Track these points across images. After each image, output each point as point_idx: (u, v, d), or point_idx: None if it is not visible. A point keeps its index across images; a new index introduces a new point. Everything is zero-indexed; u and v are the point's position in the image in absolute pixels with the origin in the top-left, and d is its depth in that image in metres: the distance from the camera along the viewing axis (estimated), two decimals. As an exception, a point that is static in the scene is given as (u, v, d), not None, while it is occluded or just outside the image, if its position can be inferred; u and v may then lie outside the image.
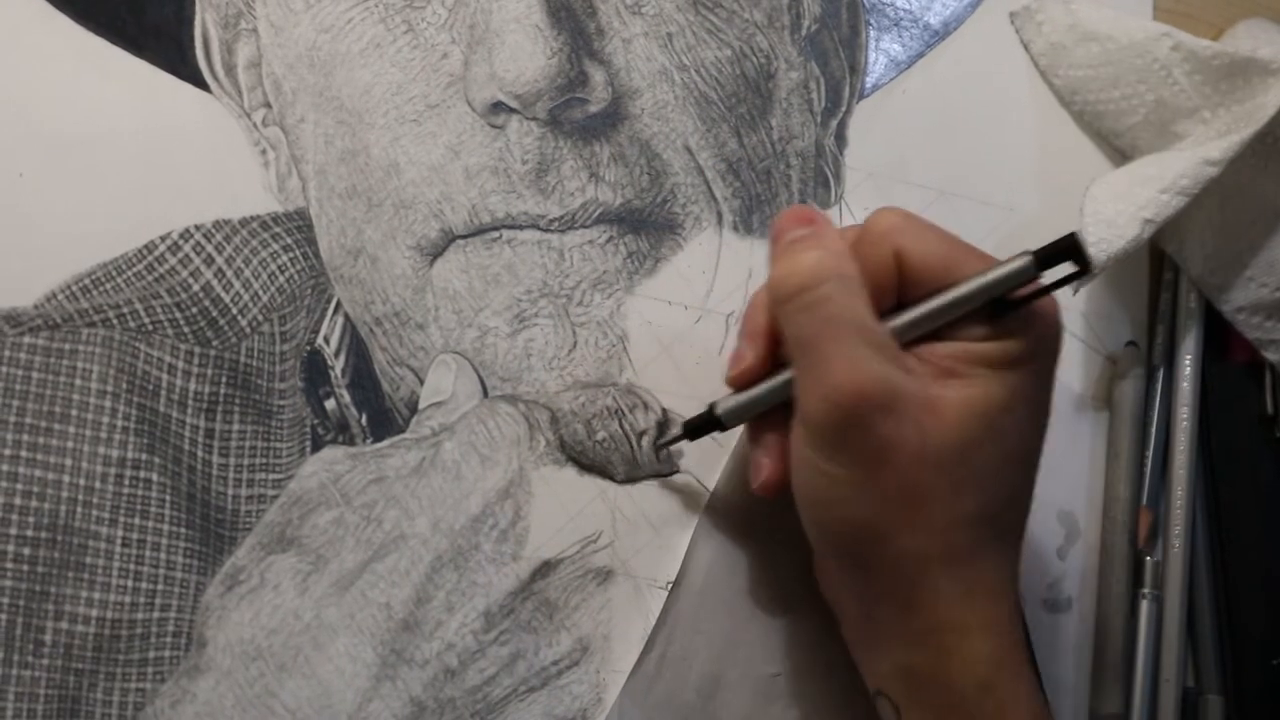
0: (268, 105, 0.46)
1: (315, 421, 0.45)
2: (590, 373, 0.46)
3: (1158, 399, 0.49)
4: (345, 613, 0.43)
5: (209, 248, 0.45)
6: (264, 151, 0.46)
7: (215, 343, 0.45)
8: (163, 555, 0.43)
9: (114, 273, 0.44)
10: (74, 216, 0.44)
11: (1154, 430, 0.49)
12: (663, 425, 0.46)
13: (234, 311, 0.45)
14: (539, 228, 0.46)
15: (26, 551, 0.42)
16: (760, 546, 0.46)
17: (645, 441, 0.45)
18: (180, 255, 0.45)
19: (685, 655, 0.45)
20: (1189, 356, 0.49)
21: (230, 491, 0.44)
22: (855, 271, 0.38)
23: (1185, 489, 0.49)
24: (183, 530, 0.43)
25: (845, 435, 0.37)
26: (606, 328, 0.46)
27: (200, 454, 0.44)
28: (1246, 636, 0.49)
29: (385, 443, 0.45)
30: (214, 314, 0.45)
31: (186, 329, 0.45)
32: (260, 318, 0.46)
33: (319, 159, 0.46)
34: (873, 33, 0.51)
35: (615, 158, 0.46)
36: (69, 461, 0.43)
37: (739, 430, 0.44)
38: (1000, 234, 0.51)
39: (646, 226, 0.47)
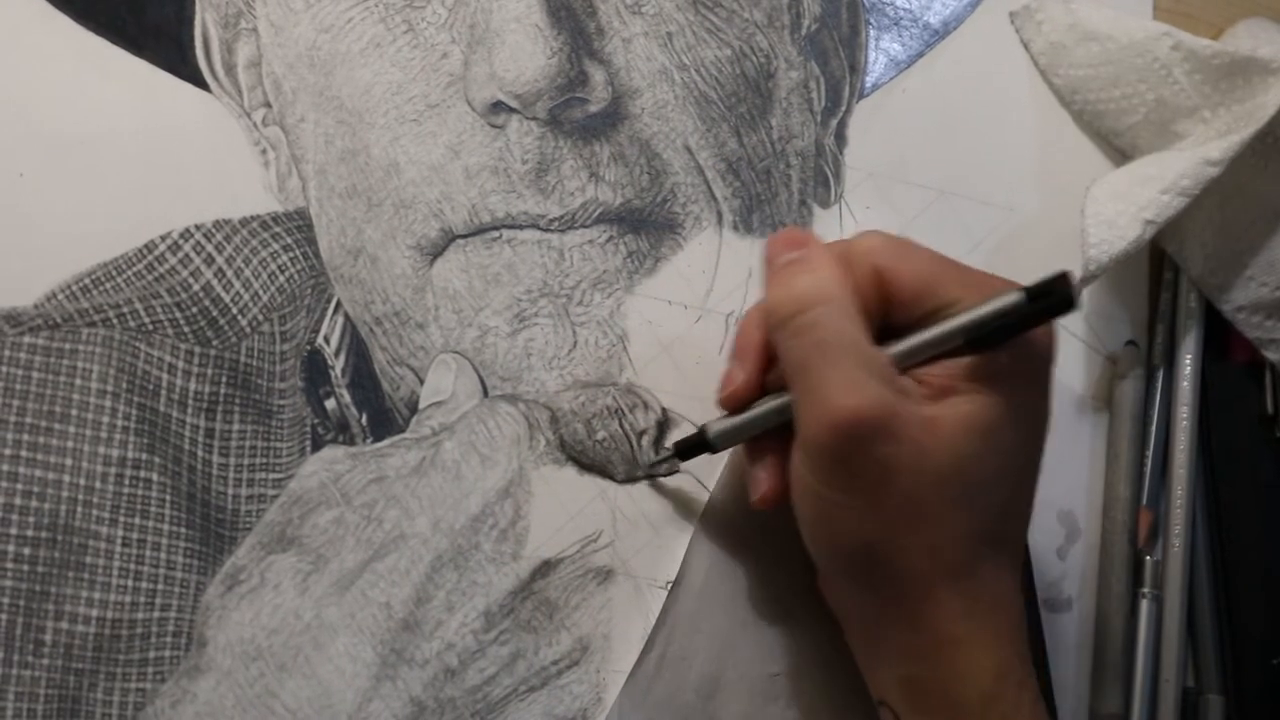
0: (268, 105, 0.46)
1: (315, 421, 0.45)
2: (590, 372, 0.46)
3: (1158, 398, 0.49)
4: (345, 612, 0.43)
5: (209, 247, 0.45)
6: (264, 151, 0.46)
7: (215, 342, 0.45)
8: (163, 555, 0.43)
9: (114, 272, 0.44)
10: (74, 216, 0.44)
11: (1154, 430, 0.49)
12: (662, 425, 0.46)
13: (234, 311, 0.45)
14: (539, 227, 0.46)
15: (27, 551, 0.42)
16: (760, 547, 0.46)
17: (645, 441, 0.45)
18: (180, 255, 0.45)
19: (685, 655, 0.45)
20: (1189, 356, 0.49)
21: (230, 491, 0.44)
22: (848, 294, 0.38)
23: (1185, 489, 0.49)
24: (183, 530, 0.43)
25: (844, 459, 0.37)
26: (606, 327, 0.46)
27: (200, 454, 0.44)
28: (1246, 636, 0.49)
29: (385, 442, 0.45)
30: (214, 314, 0.45)
31: (187, 328, 0.45)
32: (260, 317, 0.46)
33: (319, 158, 0.46)
34: (872, 32, 0.51)
35: (615, 157, 0.46)
36: (69, 461, 0.43)
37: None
38: (1000, 233, 0.51)
39: (646, 226, 0.47)
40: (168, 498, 0.43)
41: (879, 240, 0.40)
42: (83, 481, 0.43)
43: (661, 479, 0.46)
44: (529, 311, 0.46)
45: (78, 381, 0.43)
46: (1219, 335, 0.50)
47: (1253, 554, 0.50)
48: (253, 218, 0.46)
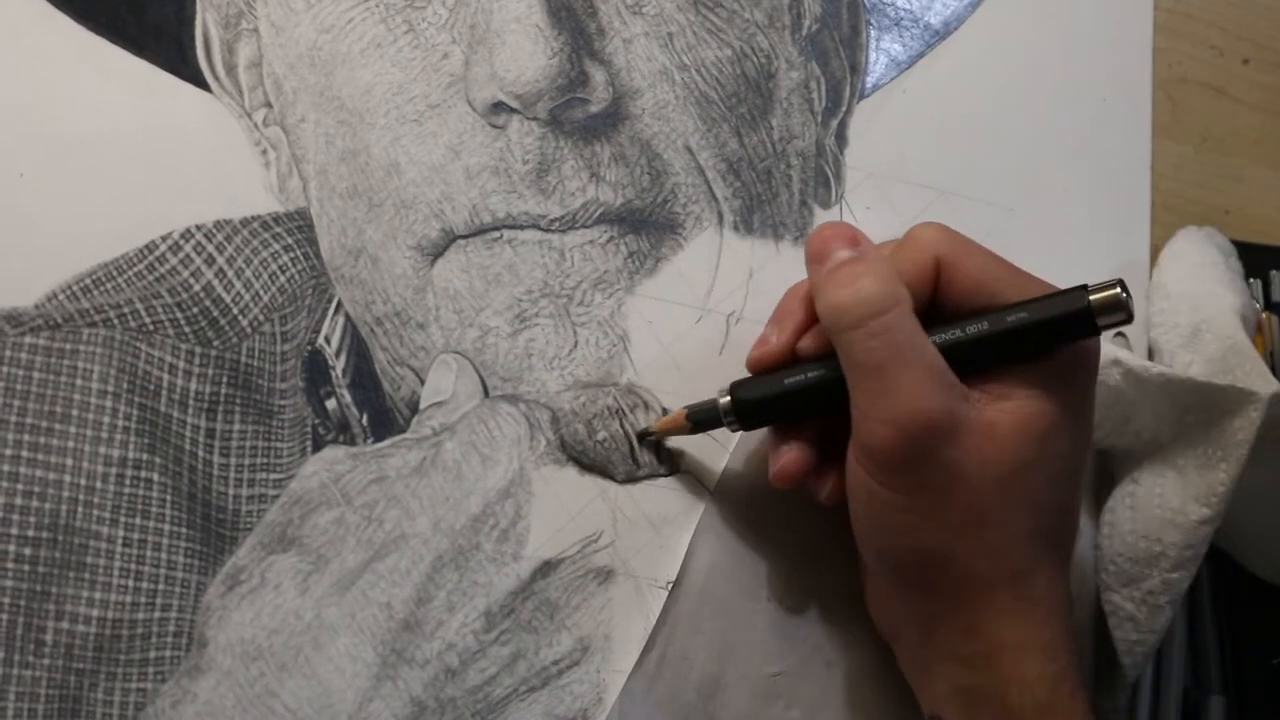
0: (268, 105, 0.46)
1: (316, 421, 0.45)
2: (591, 372, 0.46)
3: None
4: (346, 612, 0.43)
5: (210, 248, 0.45)
6: (265, 151, 0.46)
7: (216, 342, 0.45)
8: (164, 555, 0.43)
9: (115, 273, 0.44)
10: (75, 216, 0.44)
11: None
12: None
13: (235, 311, 0.45)
14: (540, 227, 0.46)
15: (27, 551, 0.42)
16: (761, 547, 0.46)
17: (646, 441, 0.45)
18: (181, 255, 0.45)
19: (685, 655, 0.45)
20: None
21: (231, 491, 0.44)
22: (909, 298, 0.38)
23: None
24: (184, 530, 0.43)
25: (909, 463, 0.37)
26: (607, 327, 0.46)
27: (201, 454, 0.44)
28: (1247, 636, 0.49)
29: (386, 442, 0.45)
30: (215, 314, 0.45)
31: (187, 329, 0.45)
32: (261, 317, 0.46)
33: (320, 159, 0.46)
34: (873, 32, 0.51)
35: (616, 157, 0.46)
36: (70, 461, 0.43)
37: (737, 432, 0.44)
38: (1000, 234, 0.51)
39: (647, 226, 0.47)
40: (168, 498, 0.43)
41: (941, 232, 0.40)
42: (83, 482, 0.43)
43: (662, 479, 0.46)
44: (530, 312, 0.46)
45: (78, 382, 0.43)
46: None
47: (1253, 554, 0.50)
48: (253, 218, 0.46)
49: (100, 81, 0.45)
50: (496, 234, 0.46)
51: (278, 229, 0.46)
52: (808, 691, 0.45)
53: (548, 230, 0.46)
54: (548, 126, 0.46)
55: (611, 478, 0.45)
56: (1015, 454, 0.37)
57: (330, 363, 0.46)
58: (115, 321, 0.44)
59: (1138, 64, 0.54)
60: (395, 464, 0.44)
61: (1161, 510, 0.45)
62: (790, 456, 0.42)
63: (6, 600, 0.41)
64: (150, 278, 0.45)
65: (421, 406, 0.45)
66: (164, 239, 0.45)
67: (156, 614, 0.43)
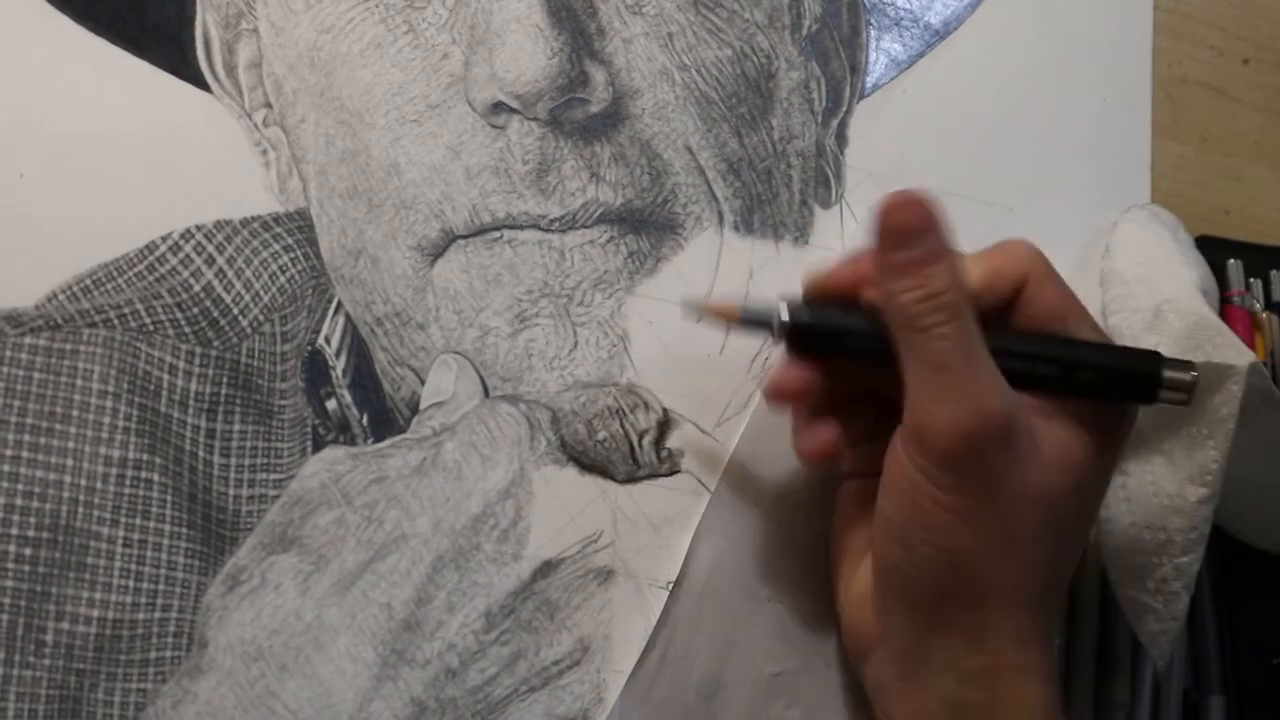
0: (268, 105, 0.46)
1: (316, 421, 0.45)
2: (591, 372, 0.46)
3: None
4: (346, 613, 0.43)
5: (210, 248, 0.45)
6: (265, 152, 0.46)
7: (216, 343, 0.45)
8: (164, 555, 0.43)
9: (115, 273, 0.44)
10: (75, 217, 0.44)
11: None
12: (663, 425, 0.46)
13: (235, 312, 0.45)
14: (540, 228, 0.46)
15: (28, 552, 0.42)
16: (762, 546, 0.46)
17: (646, 441, 0.45)
18: (181, 255, 0.45)
19: (686, 655, 0.45)
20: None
21: (231, 492, 0.44)
22: (974, 302, 0.38)
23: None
24: (184, 530, 0.43)
25: (964, 462, 0.37)
26: (607, 327, 0.46)
27: (201, 454, 0.44)
28: (1247, 636, 0.49)
29: (386, 443, 0.45)
30: (215, 314, 0.45)
31: (188, 329, 0.45)
32: (261, 318, 0.46)
33: (320, 159, 0.46)
34: (873, 32, 0.51)
35: (616, 158, 0.46)
36: (70, 462, 0.43)
37: (739, 431, 0.44)
38: (1000, 234, 0.50)
39: (647, 226, 0.47)
40: (169, 498, 0.43)
41: (1035, 252, 0.40)
42: (84, 482, 0.43)
43: (663, 479, 0.46)
44: (530, 312, 0.46)
45: (79, 382, 0.43)
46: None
47: (1253, 553, 0.50)
48: (253, 218, 0.46)
49: (100, 82, 0.45)
50: (496, 234, 0.46)
51: (278, 229, 0.46)
52: (808, 691, 0.45)
53: (548, 230, 0.46)
54: (548, 127, 0.46)
55: (612, 478, 0.45)
56: (1053, 479, 0.38)
57: (330, 363, 0.46)
58: (115, 322, 0.44)
59: (1138, 64, 0.54)
60: (395, 464, 0.44)
61: (1158, 498, 0.44)
62: (828, 436, 0.41)
63: (7, 601, 0.41)
64: (150, 278, 0.45)
65: (422, 407, 0.45)
66: (164, 239, 0.45)
67: (157, 614, 0.43)
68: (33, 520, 0.42)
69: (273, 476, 0.44)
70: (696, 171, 0.47)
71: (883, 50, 0.51)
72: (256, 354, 0.45)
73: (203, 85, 0.46)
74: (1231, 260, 0.52)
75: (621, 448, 0.45)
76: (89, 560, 0.42)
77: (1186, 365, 0.39)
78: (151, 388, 0.44)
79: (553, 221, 0.46)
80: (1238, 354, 0.43)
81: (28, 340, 0.43)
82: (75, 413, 0.43)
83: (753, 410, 0.47)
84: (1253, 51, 0.56)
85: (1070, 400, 0.39)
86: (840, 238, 0.49)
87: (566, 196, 0.46)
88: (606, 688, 0.44)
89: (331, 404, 0.46)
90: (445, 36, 0.46)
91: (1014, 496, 0.37)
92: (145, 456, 0.43)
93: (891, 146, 0.50)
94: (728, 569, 0.45)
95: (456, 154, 0.45)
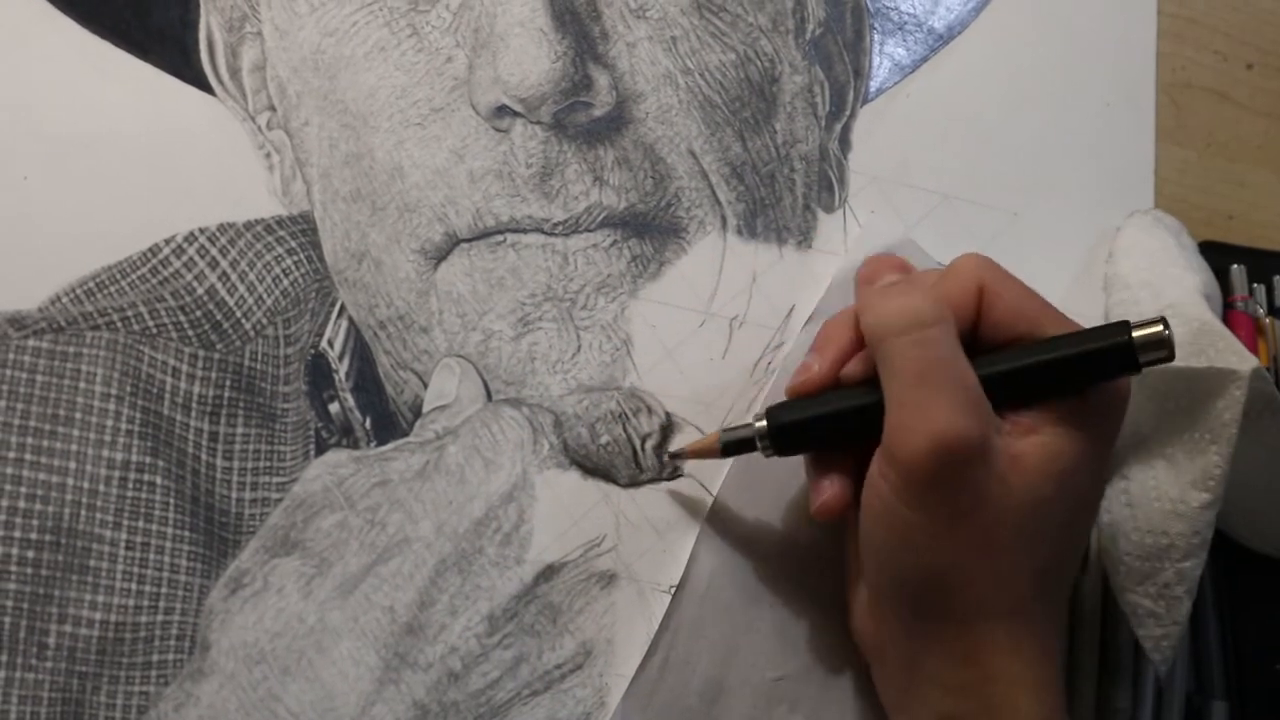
0: (272, 108, 0.46)
1: (319, 425, 0.45)
2: (594, 376, 0.46)
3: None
4: (349, 616, 0.43)
5: (213, 251, 0.45)
6: (268, 155, 0.46)
7: (219, 346, 0.45)
8: (166, 558, 0.43)
9: (118, 276, 0.44)
10: (78, 219, 0.44)
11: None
12: (666, 429, 0.46)
13: (238, 315, 0.45)
14: (543, 231, 0.46)
15: (30, 555, 0.42)
16: (763, 551, 0.46)
17: (649, 445, 0.45)
18: (185, 258, 0.45)
19: (688, 659, 0.45)
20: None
21: (234, 495, 0.44)
22: (954, 321, 0.38)
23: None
24: (186, 533, 0.43)
25: (936, 479, 0.37)
26: (610, 331, 0.46)
27: (204, 457, 0.44)
28: (1249, 641, 0.49)
29: (389, 446, 0.45)
30: (218, 317, 0.45)
31: (191, 332, 0.45)
32: (264, 321, 0.46)
33: (323, 162, 0.46)
34: (877, 37, 0.51)
35: (619, 161, 0.46)
36: (73, 465, 0.43)
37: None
38: (1004, 238, 0.51)
39: (650, 230, 0.47)
40: (171, 501, 0.43)
41: (983, 260, 0.40)
42: (86, 485, 0.43)
43: (665, 483, 0.46)
44: (533, 315, 0.46)
45: (82, 385, 0.43)
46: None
47: (1255, 559, 0.50)
48: (257, 221, 0.46)
49: (104, 85, 0.45)
50: (500, 237, 0.46)
51: (281, 232, 0.46)
52: (810, 696, 0.45)
53: (551, 234, 0.46)
54: (551, 130, 0.46)
55: (615, 482, 0.45)
56: (1037, 488, 0.38)
57: (333, 366, 0.46)
58: (119, 324, 0.44)
59: (1141, 69, 0.54)
60: (398, 467, 0.44)
61: (1161, 502, 0.44)
62: (833, 491, 0.41)
63: (9, 603, 0.41)
64: (154, 281, 0.45)
65: (424, 410, 0.45)
66: (167, 242, 0.45)
67: (159, 617, 0.43)
68: (35, 523, 0.42)
69: (275, 479, 0.44)
70: (700, 175, 0.47)
71: (886, 54, 0.51)
72: (259, 357, 0.45)
73: (206, 88, 0.46)
74: (1235, 265, 0.52)
75: (624, 452, 0.45)
76: (91, 563, 0.42)
77: (1155, 321, 0.38)
78: (154, 391, 0.44)
79: (556, 225, 0.46)
80: (1240, 359, 0.43)
81: (31, 343, 0.43)
82: (78, 415, 0.43)
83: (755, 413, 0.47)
84: (1256, 56, 0.56)
85: (1055, 403, 0.38)
86: (843, 242, 0.49)
87: (570, 200, 0.46)
88: (609, 692, 0.44)
89: (334, 407, 0.46)
90: (449, 40, 0.46)
91: (993, 510, 0.37)
92: (148, 459, 0.43)
93: (895, 151, 0.50)
94: (730, 573, 0.45)
95: (460, 157, 0.45)
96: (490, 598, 0.43)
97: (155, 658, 0.42)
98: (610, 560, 0.45)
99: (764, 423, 0.42)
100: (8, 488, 0.42)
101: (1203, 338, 0.44)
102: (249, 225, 0.46)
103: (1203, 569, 0.44)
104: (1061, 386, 0.39)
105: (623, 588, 0.45)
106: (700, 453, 0.44)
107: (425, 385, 0.46)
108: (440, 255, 0.46)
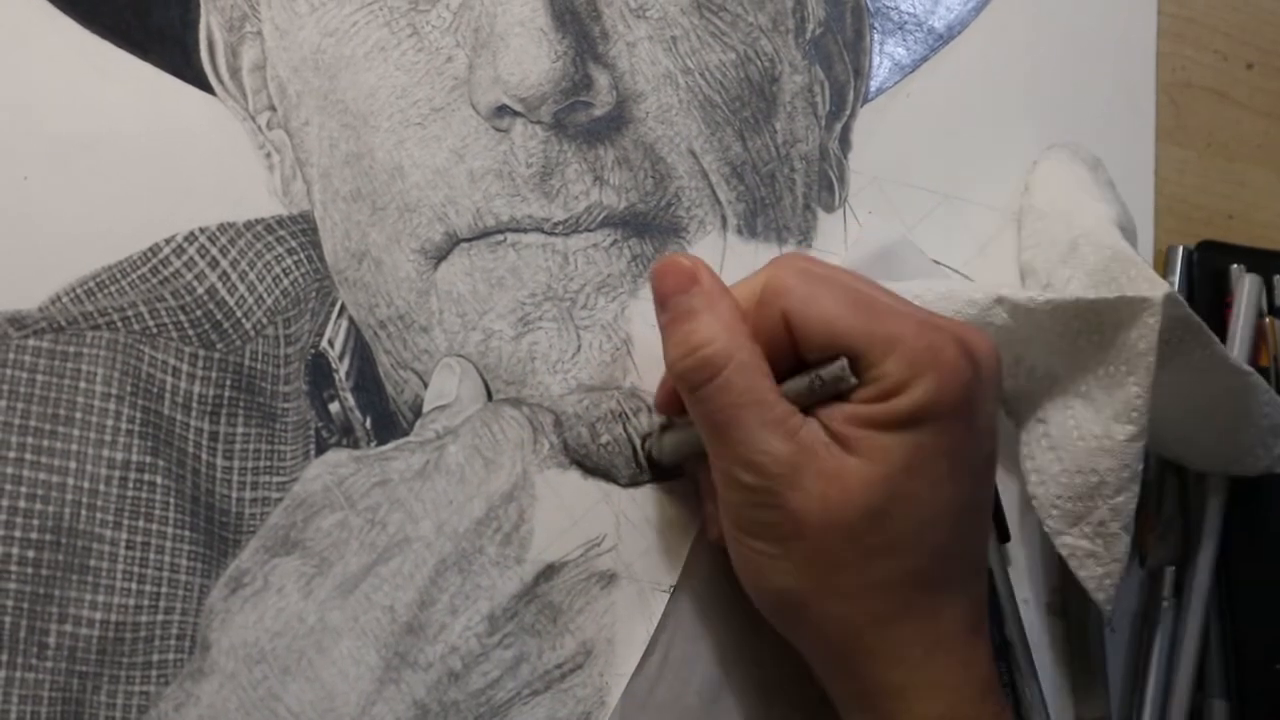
0: (272, 108, 0.46)
1: (319, 424, 0.45)
2: (594, 376, 0.46)
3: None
4: (349, 616, 0.43)
5: (214, 250, 0.45)
6: (269, 155, 0.46)
7: (220, 346, 0.45)
8: (166, 558, 0.43)
9: (119, 275, 0.44)
10: (78, 219, 0.44)
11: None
12: (666, 429, 0.46)
13: (238, 314, 0.45)
14: (543, 231, 0.46)
15: (30, 554, 0.42)
16: (764, 550, 0.46)
17: (649, 445, 0.45)
18: (185, 258, 0.45)
19: (687, 659, 0.45)
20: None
21: (234, 494, 0.44)
22: (751, 344, 0.38)
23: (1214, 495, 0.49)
24: (187, 533, 0.43)
25: (755, 511, 0.38)
26: (611, 331, 0.46)
27: (204, 457, 0.44)
28: (1250, 641, 0.49)
29: (389, 446, 0.45)
30: (218, 317, 0.45)
31: (191, 332, 0.45)
32: (264, 321, 0.46)
33: (323, 162, 0.46)
34: (877, 36, 0.51)
35: (620, 161, 0.46)
36: (73, 464, 0.43)
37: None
38: (1003, 238, 0.51)
39: (651, 230, 0.47)
40: (171, 501, 0.43)
41: (789, 279, 0.39)
42: (87, 485, 0.43)
43: (666, 483, 0.46)
44: (533, 315, 0.46)
45: (82, 385, 0.43)
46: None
47: (1256, 559, 0.50)
48: (257, 221, 0.46)
49: (104, 84, 0.45)
50: (500, 237, 0.46)
51: (281, 232, 0.46)
52: (809, 696, 0.45)
53: (551, 234, 0.46)
54: (551, 130, 0.46)
55: (615, 481, 0.45)
56: (863, 501, 0.37)
57: (334, 366, 0.46)
58: (119, 324, 0.44)
59: (1141, 68, 0.54)
60: (398, 467, 0.44)
61: (1085, 440, 0.43)
62: (716, 520, 0.42)
63: (9, 603, 0.41)
64: (154, 280, 0.45)
65: (425, 410, 0.45)
66: (168, 242, 0.45)
67: (159, 617, 0.43)
68: (35, 523, 0.42)
69: (275, 479, 0.44)
70: (700, 175, 0.47)
71: (886, 54, 0.51)
72: (260, 357, 0.45)
73: (206, 88, 0.46)
74: (1235, 265, 0.52)
75: (624, 451, 0.45)
76: (91, 563, 0.42)
77: (835, 357, 0.37)
78: (154, 390, 0.44)
79: (556, 225, 0.46)
80: (1151, 286, 0.42)
81: (31, 343, 0.43)
82: (78, 415, 0.43)
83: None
84: (1256, 56, 0.56)
85: (866, 410, 0.37)
86: (843, 242, 0.49)
87: (570, 200, 0.46)
88: (609, 691, 0.44)
89: (335, 407, 0.46)
90: (449, 40, 0.46)
91: (819, 530, 0.37)
92: (148, 459, 0.43)
93: (895, 150, 0.50)
94: (730, 573, 0.45)
95: (460, 157, 0.45)
96: (490, 597, 0.43)
97: (155, 657, 0.42)
98: (610, 560, 0.45)
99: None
100: (8, 488, 0.42)
101: (1114, 265, 0.43)
102: (249, 225, 0.46)
103: (1136, 503, 0.43)
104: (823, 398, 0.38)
105: (623, 587, 0.45)
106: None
107: (425, 385, 0.46)
108: (440, 255, 0.46)
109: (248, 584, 0.43)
